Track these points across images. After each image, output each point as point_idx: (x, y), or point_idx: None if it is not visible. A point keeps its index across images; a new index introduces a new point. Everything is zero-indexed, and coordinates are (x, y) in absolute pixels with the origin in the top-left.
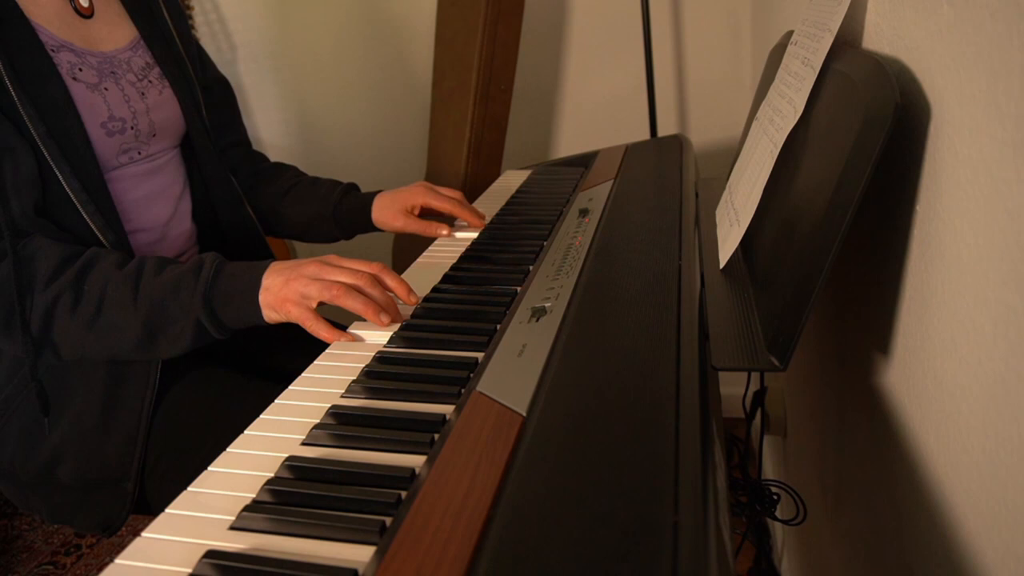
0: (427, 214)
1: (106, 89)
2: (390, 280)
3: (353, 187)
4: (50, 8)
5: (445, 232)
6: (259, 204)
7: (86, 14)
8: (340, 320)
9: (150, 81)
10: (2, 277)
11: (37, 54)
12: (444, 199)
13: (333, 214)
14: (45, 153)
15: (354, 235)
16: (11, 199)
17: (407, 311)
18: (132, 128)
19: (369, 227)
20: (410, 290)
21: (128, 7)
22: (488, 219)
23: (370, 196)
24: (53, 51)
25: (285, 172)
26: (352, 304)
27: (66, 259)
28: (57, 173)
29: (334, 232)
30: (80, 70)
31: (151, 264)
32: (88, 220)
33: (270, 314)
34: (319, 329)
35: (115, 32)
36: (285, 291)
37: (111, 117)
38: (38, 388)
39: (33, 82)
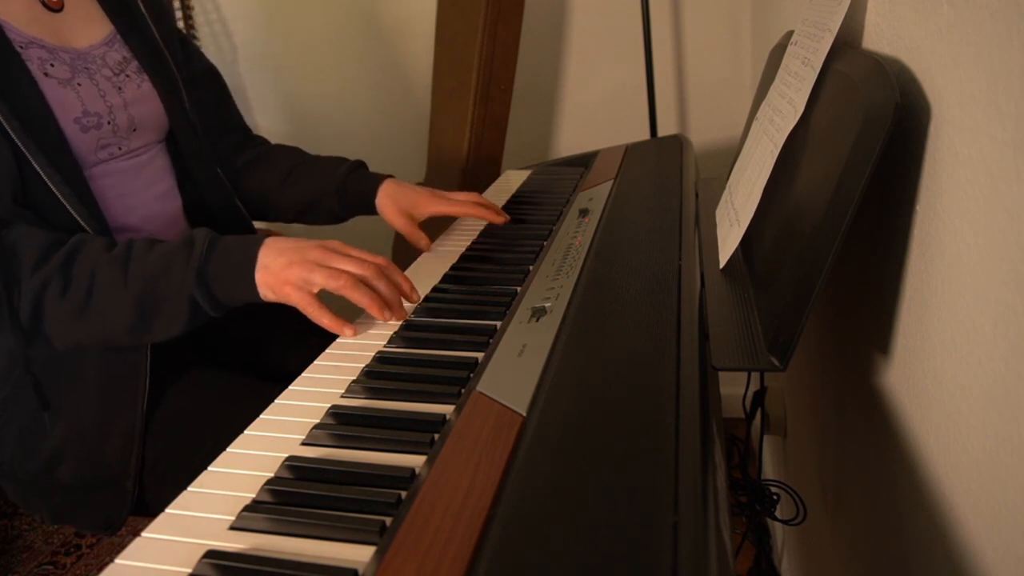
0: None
1: (79, 84)
2: (395, 275)
3: (361, 164)
4: (16, 4)
5: (424, 246)
6: (258, 186)
7: (55, 7)
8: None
9: (127, 75)
10: None
11: (4, 52)
12: (456, 204)
13: (337, 190)
14: (22, 148)
15: (353, 215)
16: None
17: (408, 309)
18: (109, 123)
19: (370, 210)
20: (413, 287)
21: (102, 2)
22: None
23: (378, 179)
24: (21, 48)
25: (288, 153)
26: (358, 297)
27: (51, 245)
28: (36, 167)
29: (335, 209)
30: (52, 65)
31: (140, 244)
32: (72, 211)
33: (267, 293)
34: (321, 316)
35: (89, 28)
36: (286, 273)
37: (85, 112)
38: (34, 382)
39: (2, 80)
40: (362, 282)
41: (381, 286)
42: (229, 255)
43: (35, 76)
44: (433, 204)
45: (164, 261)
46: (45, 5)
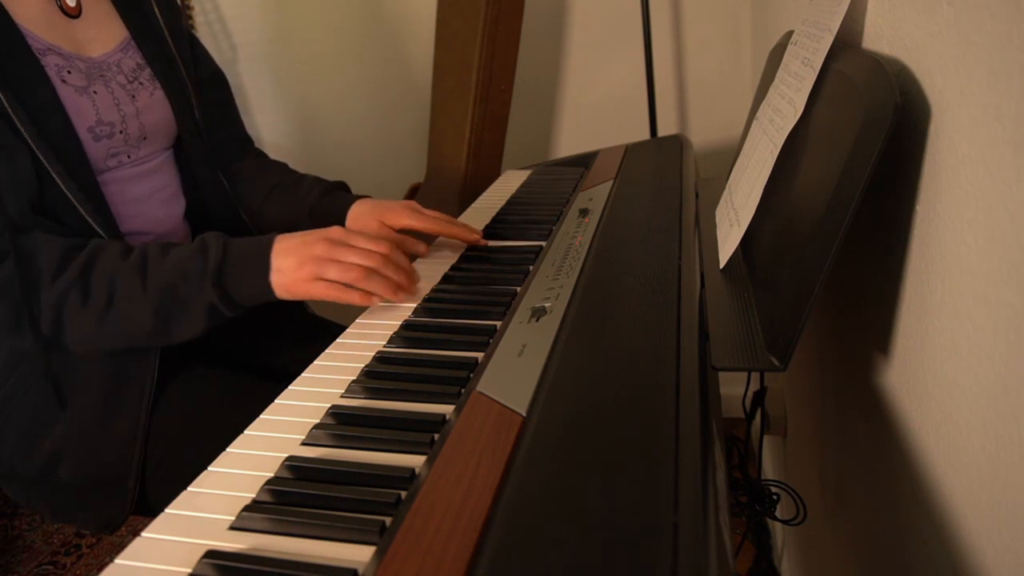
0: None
1: (95, 92)
2: (401, 259)
3: (336, 187)
4: (35, 9)
5: (414, 248)
6: (243, 204)
7: (73, 14)
8: (331, 313)
9: (141, 83)
10: (5, 277)
11: (24, 57)
12: (429, 219)
13: (310, 213)
14: (39, 154)
15: None
16: (7, 198)
17: (409, 308)
18: (121, 132)
19: None
20: (416, 276)
21: (118, 6)
22: (488, 219)
23: (351, 200)
24: (40, 54)
25: (270, 170)
26: (372, 286)
27: (68, 251)
28: (52, 174)
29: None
30: (68, 72)
31: (154, 250)
32: (87, 218)
33: (283, 294)
34: (351, 296)
35: (104, 34)
36: (300, 273)
37: (99, 121)
38: (54, 385)
39: (21, 85)
40: (373, 271)
41: (390, 272)
42: (244, 261)
43: (53, 82)
44: (405, 217)
45: (180, 269)
46: (63, 11)
